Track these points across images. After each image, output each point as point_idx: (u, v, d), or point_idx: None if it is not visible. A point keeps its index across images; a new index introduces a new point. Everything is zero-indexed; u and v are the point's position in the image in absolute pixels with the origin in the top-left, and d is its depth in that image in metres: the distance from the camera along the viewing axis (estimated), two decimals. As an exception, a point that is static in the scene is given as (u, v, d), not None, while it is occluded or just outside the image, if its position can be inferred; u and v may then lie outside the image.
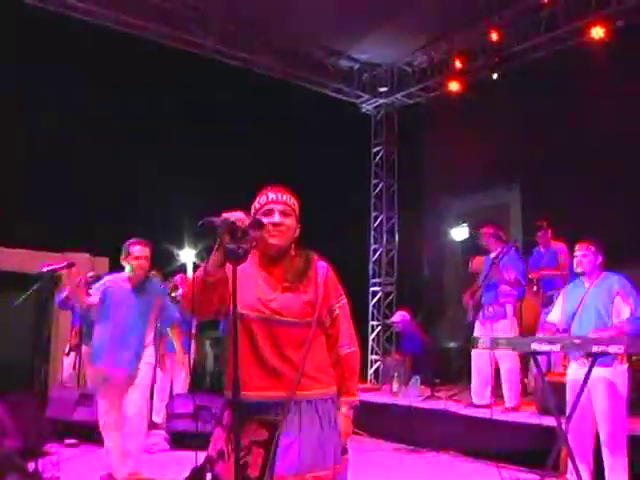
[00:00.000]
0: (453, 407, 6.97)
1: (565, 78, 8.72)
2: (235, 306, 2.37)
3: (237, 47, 9.67)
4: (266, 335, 2.58)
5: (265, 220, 2.59)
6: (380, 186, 11.78)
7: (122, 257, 5.16)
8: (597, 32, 8.14)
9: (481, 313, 6.78)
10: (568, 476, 4.86)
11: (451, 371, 9.01)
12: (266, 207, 2.64)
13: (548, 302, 7.36)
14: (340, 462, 2.61)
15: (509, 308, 6.79)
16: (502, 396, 6.77)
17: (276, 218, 2.61)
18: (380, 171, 11.82)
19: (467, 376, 7.46)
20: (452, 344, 10.08)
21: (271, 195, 2.66)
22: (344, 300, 2.75)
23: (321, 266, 2.72)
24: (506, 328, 6.65)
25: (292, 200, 2.69)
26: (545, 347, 4.75)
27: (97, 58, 9.24)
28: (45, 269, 5.14)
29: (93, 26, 8.63)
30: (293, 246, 2.71)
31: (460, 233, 10.66)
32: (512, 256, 6.63)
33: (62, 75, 9.19)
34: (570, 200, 8.31)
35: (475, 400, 6.79)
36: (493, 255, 6.74)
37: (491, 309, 6.76)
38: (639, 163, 7.65)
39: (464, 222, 10.33)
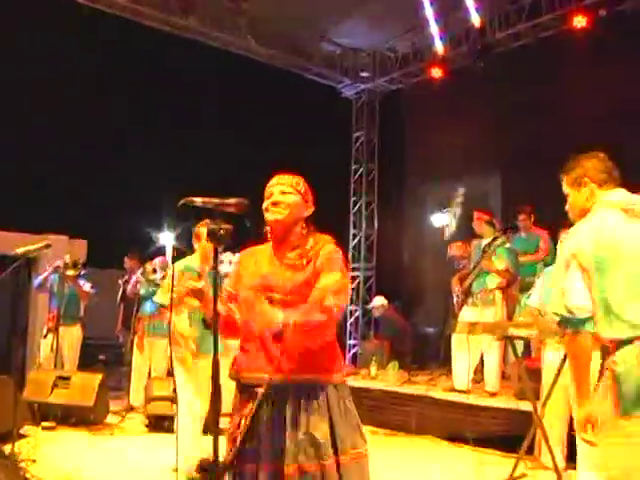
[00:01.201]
0: (431, 392, 7.01)
1: (547, 66, 8.75)
2: (216, 293, 2.43)
3: (219, 29, 9.58)
4: None
5: (266, 202, 2.66)
6: (360, 171, 11.77)
7: (193, 240, 5.02)
8: (579, 21, 8.18)
9: (470, 300, 6.78)
10: (543, 459, 4.93)
11: (429, 356, 9.06)
12: (267, 191, 2.69)
13: (527, 288, 7.41)
14: (337, 454, 2.52)
15: (498, 295, 6.73)
16: (482, 381, 6.82)
17: (273, 197, 2.65)
18: (360, 156, 11.81)
19: (445, 361, 7.51)
20: (430, 329, 10.13)
21: (272, 181, 2.71)
22: (337, 276, 2.56)
23: (327, 248, 2.66)
24: (494, 315, 6.60)
25: (293, 180, 2.71)
26: (523, 332, 4.81)
27: (80, 37, 9.12)
28: (21, 250, 5.03)
29: (79, 6, 8.48)
30: (303, 226, 2.69)
31: (440, 219, 10.72)
32: (505, 245, 6.62)
33: (44, 54, 9.07)
34: (550, 188, 8.33)
35: (455, 385, 6.82)
36: (485, 242, 6.74)
37: (480, 296, 6.75)
38: (620, 151, 7.69)
39: (444, 208, 10.38)
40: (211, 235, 2.41)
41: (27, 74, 9.02)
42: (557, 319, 2.53)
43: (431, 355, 9.04)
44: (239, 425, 2.53)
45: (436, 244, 10.17)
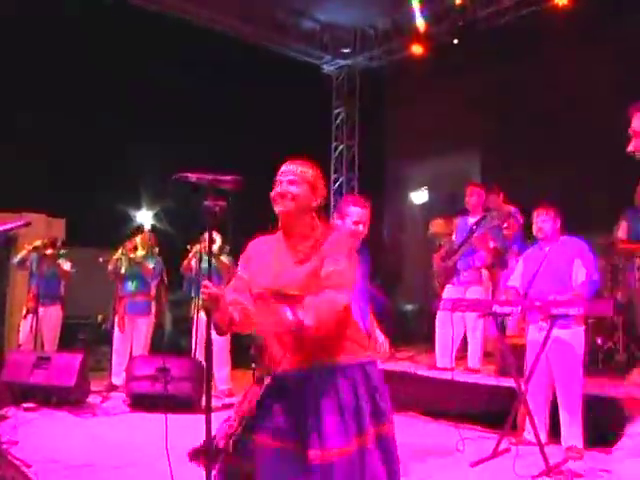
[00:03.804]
0: (413, 369, 7.04)
1: (528, 44, 8.72)
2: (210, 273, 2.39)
3: (199, 5, 9.44)
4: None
5: (273, 192, 2.57)
6: (340, 148, 11.73)
7: (335, 217, 4.21)
8: (560, -2, 8.16)
9: (456, 278, 6.77)
10: (526, 434, 4.98)
11: (411, 333, 9.11)
12: (277, 180, 2.59)
13: (504, 265, 7.42)
14: (342, 445, 2.43)
15: (485, 273, 6.73)
16: (465, 358, 6.86)
17: (280, 187, 2.56)
18: (340, 133, 11.76)
19: (426, 338, 7.54)
20: (411, 306, 10.18)
21: (283, 168, 2.61)
22: (343, 265, 2.49)
23: (335, 235, 2.61)
24: (479, 293, 6.59)
25: (302, 169, 2.62)
26: (507, 309, 4.85)
27: (60, 18, 8.96)
28: (1, 228, 4.93)
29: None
30: (312, 216, 2.62)
31: (420, 197, 10.73)
32: (494, 226, 6.60)
33: (26, 37, 8.90)
34: (528, 167, 8.37)
35: (438, 363, 6.85)
36: (472, 221, 6.72)
37: (466, 274, 6.75)
38: (596, 130, 7.70)
39: (424, 187, 10.38)
40: (206, 211, 2.33)
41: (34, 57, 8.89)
42: None
43: (413, 332, 9.09)
44: (245, 410, 2.56)
45: (416, 221, 10.18)
